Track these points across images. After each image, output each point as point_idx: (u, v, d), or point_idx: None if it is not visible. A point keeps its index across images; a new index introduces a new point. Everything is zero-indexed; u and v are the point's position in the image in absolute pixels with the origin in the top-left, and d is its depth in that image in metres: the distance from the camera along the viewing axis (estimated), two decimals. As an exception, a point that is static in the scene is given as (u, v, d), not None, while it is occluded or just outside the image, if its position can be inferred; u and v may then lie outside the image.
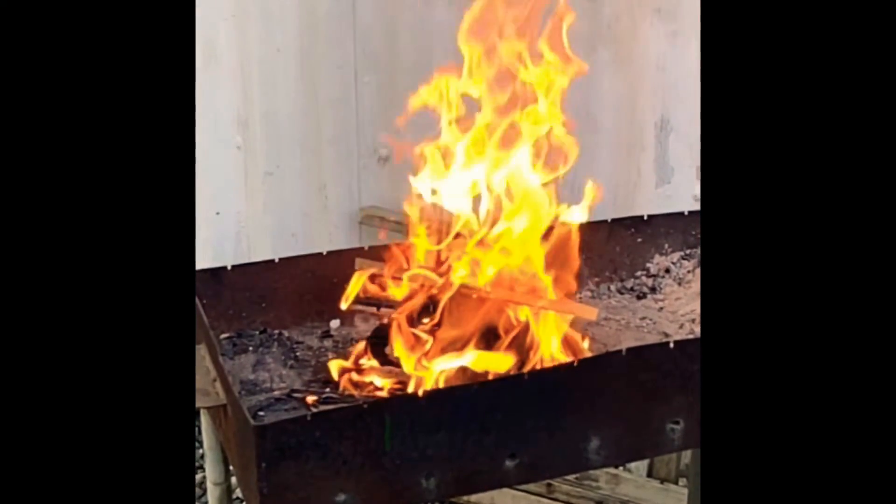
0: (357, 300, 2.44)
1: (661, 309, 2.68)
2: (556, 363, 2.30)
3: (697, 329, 2.54)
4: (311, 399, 2.28)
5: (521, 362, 2.31)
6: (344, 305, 2.42)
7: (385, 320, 2.40)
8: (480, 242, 2.38)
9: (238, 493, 2.95)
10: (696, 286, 2.72)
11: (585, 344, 2.39)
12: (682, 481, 3.21)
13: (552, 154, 2.43)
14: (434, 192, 2.40)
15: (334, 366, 2.34)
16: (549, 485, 3.12)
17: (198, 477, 3.26)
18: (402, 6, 3.33)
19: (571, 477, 3.12)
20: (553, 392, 2.17)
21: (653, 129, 3.45)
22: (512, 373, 2.27)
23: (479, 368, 2.26)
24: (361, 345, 2.37)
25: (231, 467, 2.42)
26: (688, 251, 2.81)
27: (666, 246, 2.82)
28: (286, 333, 2.55)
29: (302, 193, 3.40)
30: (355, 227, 3.43)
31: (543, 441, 2.17)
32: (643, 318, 2.64)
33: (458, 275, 2.34)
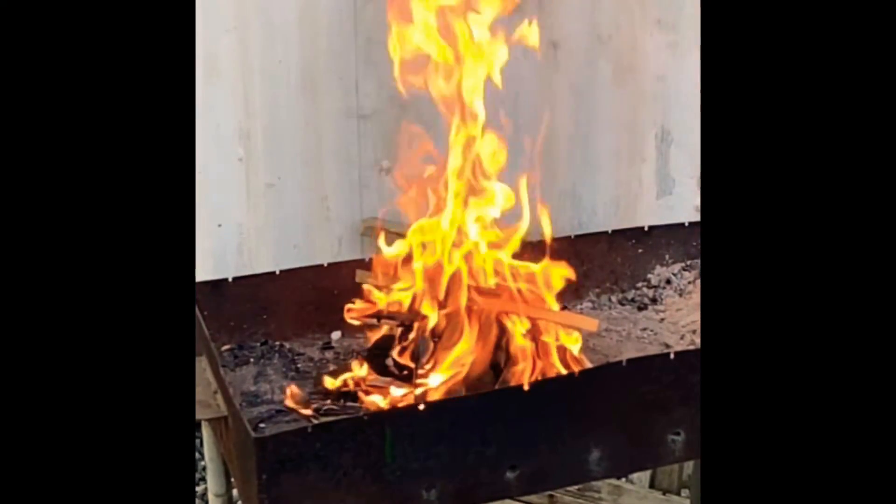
0: (359, 313, 2.45)
1: (662, 320, 2.68)
2: (556, 374, 2.30)
3: (698, 340, 2.54)
4: (310, 411, 2.28)
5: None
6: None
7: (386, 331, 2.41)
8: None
9: (239, 504, 2.95)
10: (696, 297, 2.72)
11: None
12: (685, 492, 3.20)
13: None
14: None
15: (331, 382, 2.35)
16: (551, 496, 3.11)
17: (199, 489, 3.26)
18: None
19: (573, 488, 3.12)
20: (554, 403, 2.17)
21: (653, 140, 3.45)
22: (511, 384, 2.28)
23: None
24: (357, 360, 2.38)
25: (232, 479, 2.42)
26: (689, 262, 2.81)
27: (667, 257, 2.82)
28: (287, 345, 2.55)
29: (303, 205, 3.40)
30: (357, 238, 3.43)
31: (544, 452, 2.17)
32: (644, 329, 2.64)
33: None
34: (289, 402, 2.30)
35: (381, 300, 2.43)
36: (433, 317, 2.34)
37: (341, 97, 3.35)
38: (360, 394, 2.31)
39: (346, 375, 2.34)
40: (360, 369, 2.34)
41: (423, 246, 2.41)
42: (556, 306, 2.42)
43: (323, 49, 3.30)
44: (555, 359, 2.35)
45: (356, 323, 2.45)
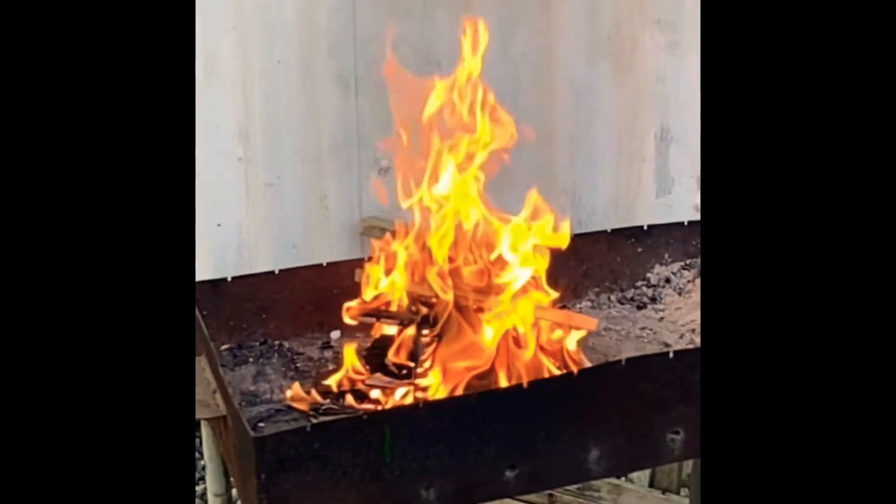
0: (358, 311, 2.45)
1: (661, 319, 2.68)
2: (555, 374, 2.30)
3: (697, 339, 2.54)
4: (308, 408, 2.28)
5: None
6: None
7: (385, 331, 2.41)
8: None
9: (239, 504, 2.95)
10: (696, 296, 2.72)
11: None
12: (684, 491, 3.20)
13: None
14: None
15: (333, 380, 2.35)
16: (551, 495, 3.11)
17: (199, 488, 3.26)
18: (402, 16, 3.33)
19: (573, 487, 3.12)
20: (553, 402, 2.17)
21: (653, 140, 3.46)
22: (512, 383, 2.28)
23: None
24: (352, 356, 2.37)
25: (232, 479, 2.42)
26: (688, 261, 2.81)
27: (666, 256, 2.82)
28: (286, 344, 2.55)
29: (303, 204, 3.40)
30: (356, 237, 3.43)
31: (544, 452, 2.17)
32: (643, 328, 2.64)
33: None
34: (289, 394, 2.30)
35: (379, 286, 2.42)
36: (443, 294, 2.34)
37: (340, 97, 3.35)
38: (358, 393, 2.31)
39: (345, 375, 2.34)
40: (358, 369, 2.34)
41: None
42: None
43: (323, 49, 3.30)
44: (554, 358, 2.35)
45: (354, 323, 2.44)
